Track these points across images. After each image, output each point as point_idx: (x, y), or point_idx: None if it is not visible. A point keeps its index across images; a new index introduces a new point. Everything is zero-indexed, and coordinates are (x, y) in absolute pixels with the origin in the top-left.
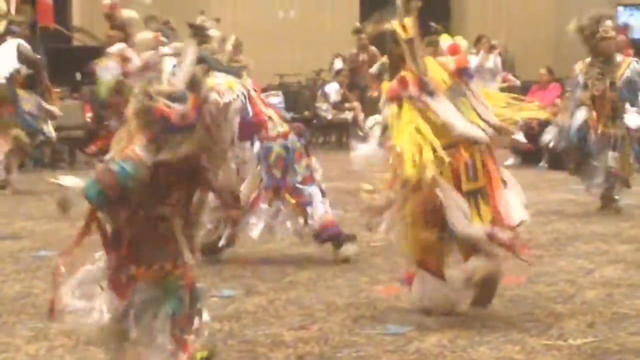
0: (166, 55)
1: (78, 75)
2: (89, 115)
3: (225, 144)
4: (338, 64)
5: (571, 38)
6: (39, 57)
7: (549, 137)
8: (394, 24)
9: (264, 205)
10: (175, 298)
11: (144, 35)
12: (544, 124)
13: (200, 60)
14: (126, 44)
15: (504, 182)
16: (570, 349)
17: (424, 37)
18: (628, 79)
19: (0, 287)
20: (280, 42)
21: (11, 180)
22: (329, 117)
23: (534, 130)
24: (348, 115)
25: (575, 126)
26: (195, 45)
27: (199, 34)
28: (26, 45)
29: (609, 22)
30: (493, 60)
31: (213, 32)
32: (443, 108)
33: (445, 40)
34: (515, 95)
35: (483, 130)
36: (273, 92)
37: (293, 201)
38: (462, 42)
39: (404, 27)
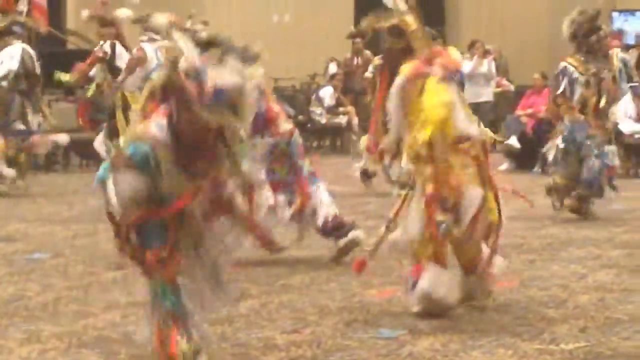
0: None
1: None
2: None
3: (240, 126)
4: (332, 68)
5: (565, 42)
6: (38, 71)
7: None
8: (395, 19)
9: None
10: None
11: (160, 18)
12: (539, 130)
13: (216, 43)
14: (117, 40)
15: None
16: (563, 354)
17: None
18: (619, 69)
19: None
20: (274, 46)
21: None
22: (323, 121)
23: (528, 135)
24: (342, 119)
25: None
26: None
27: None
28: (32, 55)
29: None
30: (487, 65)
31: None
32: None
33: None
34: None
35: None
36: None
37: (299, 198)
38: (455, 53)
39: (406, 21)
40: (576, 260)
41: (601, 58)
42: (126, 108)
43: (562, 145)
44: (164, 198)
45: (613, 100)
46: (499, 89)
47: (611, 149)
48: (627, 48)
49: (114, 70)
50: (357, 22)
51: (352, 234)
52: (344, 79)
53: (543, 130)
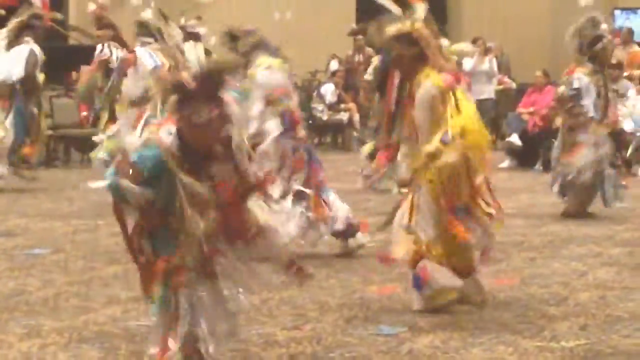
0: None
1: (74, 74)
2: (83, 114)
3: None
4: (334, 65)
5: (567, 42)
6: (38, 77)
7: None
8: (407, 25)
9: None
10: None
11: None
12: (542, 128)
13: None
14: (114, 42)
15: None
16: (563, 351)
17: None
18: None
19: None
20: (276, 43)
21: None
22: (325, 118)
23: (530, 133)
24: (344, 116)
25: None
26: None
27: (192, 35)
28: (37, 60)
29: (604, 26)
30: (489, 63)
31: (203, 31)
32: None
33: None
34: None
35: None
36: None
37: (314, 201)
38: (466, 47)
39: (419, 29)
40: (577, 257)
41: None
42: (112, 111)
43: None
44: (169, 204)
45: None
46: (501, 87)
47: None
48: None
49: (108, 73)
50: (358, 19)
51: (359, 237)
52: (345, 75)
53: (544, 128)
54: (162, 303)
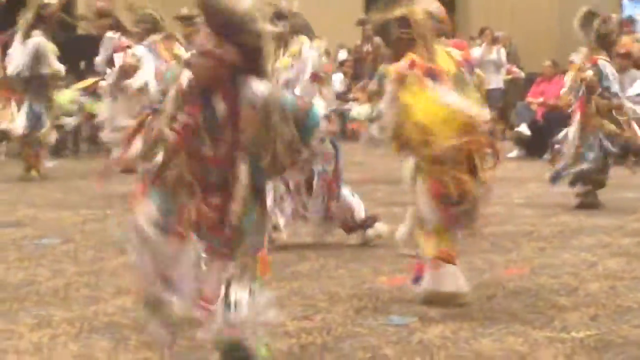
0: None
1: (82, 65)
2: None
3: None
4: (342, 54)
5: (575, 30)
6: (44, 72)
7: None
8: (405, 10)
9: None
10: None
11: None
12: (551, 118)
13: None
14: (114, 30)
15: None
16: (573, 342)
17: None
18: None
19: (3, 275)
20: None
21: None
22: (333, 107)
23: (538, 122)
24: (352, 105)
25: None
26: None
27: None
28: (44, 53)
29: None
30: (497, 53)
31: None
32: (444, 91)
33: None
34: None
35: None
36: None
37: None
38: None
39: (414, 12)
40: (587, 248)
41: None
42: None
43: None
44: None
45: None
46: (509, 76)
47: None
48: None
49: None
50: (367, 8)
51: (377, 226)
52: (353, 65)
53: (554, 117)
54: None
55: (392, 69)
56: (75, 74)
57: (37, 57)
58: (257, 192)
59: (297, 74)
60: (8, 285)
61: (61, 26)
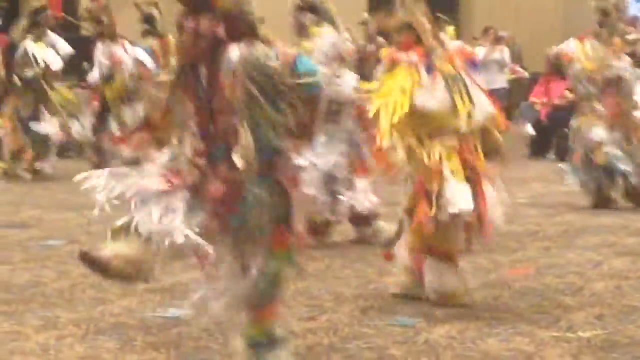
0: None
1: (86, 65)
2: (95, 104)
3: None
4: None
5: (579, 29)
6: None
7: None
8: (405, 15)
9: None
10: None
11: None
12: (555, 117)
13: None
14: (102, 37)
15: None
16: (580, 342)
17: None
18: None
19: (9, 276)
20: (287, 31)
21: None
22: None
23: (543, 122)
24: None
25: None
26: None
27: None
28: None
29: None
30: (500, 53)
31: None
32: (432, 84)
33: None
34: None
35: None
36: None
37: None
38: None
39: (415, 17)
40: (592, 247)
41: None
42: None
43: None
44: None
45: None
46: (514, 76)
47: None
48: None
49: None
50: (370, 8)
51: (378, 224)
52: (357, 65)
53: (558, 117)
54: None
55: (388, 52)
56: (79, 74)
57: (22, 64)
58: (267, 168)
59: (319, 56)
60: (14, 287)
61: (64, 27)
